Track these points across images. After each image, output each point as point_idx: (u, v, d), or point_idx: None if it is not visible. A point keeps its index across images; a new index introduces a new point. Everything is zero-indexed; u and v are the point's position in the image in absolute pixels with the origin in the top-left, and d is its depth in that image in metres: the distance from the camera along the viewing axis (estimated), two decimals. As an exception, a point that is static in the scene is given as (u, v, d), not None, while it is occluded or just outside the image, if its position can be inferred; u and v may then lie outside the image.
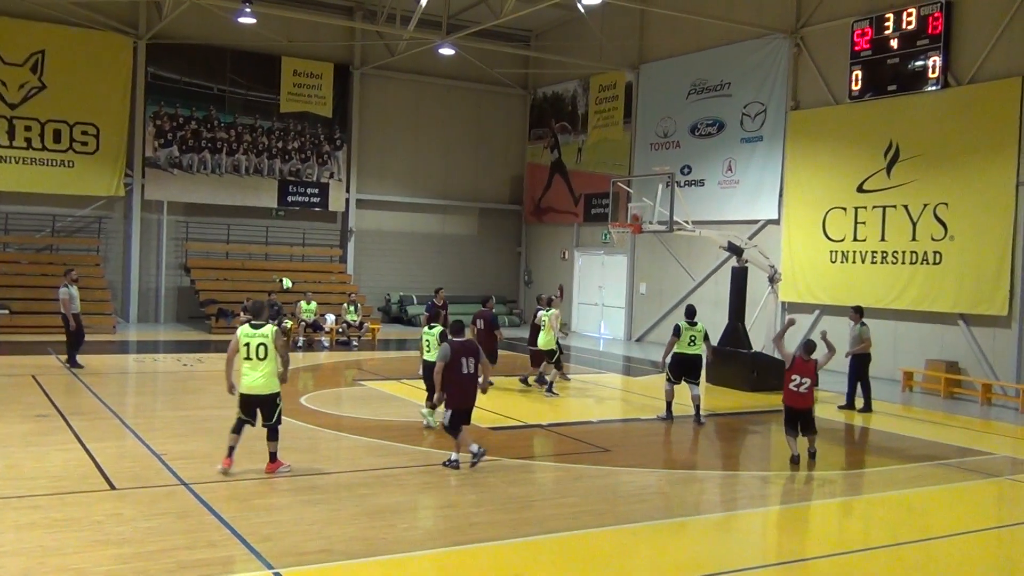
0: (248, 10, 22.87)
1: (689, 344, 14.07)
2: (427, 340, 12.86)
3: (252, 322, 10.00)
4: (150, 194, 26.83)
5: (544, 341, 16.11)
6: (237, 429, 9.98)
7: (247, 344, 9.83)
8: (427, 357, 12.72)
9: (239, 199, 28.00)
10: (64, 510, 8.54)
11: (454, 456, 10.63)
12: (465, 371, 10.49)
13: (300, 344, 22.08)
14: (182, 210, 27.53)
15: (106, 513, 8.50)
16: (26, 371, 16.90)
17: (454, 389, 10.53)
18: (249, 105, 28.08)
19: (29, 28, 25.02)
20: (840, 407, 15.84)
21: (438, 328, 12.92)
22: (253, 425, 9.98)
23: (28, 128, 25.19)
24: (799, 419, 11.45)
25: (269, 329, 9.90)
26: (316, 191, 29.16)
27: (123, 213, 26.78)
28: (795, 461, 11.44)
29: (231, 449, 9.95)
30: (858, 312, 16.38)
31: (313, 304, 23.32)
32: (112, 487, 9.38)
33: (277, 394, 9.96)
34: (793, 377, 11.32)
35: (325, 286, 28.06)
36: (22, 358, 18.74)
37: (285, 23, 26.79)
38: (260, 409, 9.90)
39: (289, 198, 28.78)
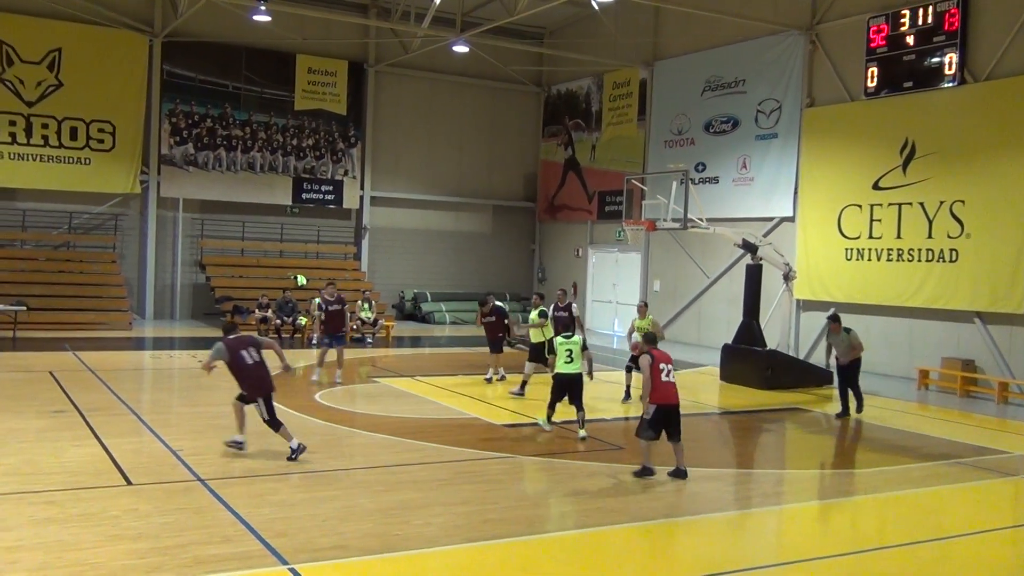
0: (263, 8, 22.95)
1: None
2: (568, 349, 11.95)
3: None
4: (166, 191, 26.97)
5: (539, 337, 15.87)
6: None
7: None
8: (567, 369, 11.95)
9: (254, 196, 28.12)
10: (80, 505, 8.60)
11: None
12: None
13: (314, 341, 22.10)
14: (197, 207, 27.66)
15: (122, 508, 8.55)
16: (43, 367, 17.03)
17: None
18: (264, 102, 28.17)
19: (46, 26, 25.16)
20: (837, 416, 15.34)
21: (578, 338, 12.19)
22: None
23: (45, 126, 25.35)
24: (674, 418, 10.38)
25: None
26: (331, 188, 29.25)
27: (139, 210, 26.93)
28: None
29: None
30: (836, 320, 15.59)
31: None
32: (128, 483, 9.44)
33: None
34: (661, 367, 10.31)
35: (339, 283, 28.11)
36: (39, 354, 18.87)
37: (300, 21, 26.86)
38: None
39: (304, 195, 28.88)
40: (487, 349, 17.52)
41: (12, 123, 24.97)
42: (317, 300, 17.15)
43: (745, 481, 11.11)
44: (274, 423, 10.61)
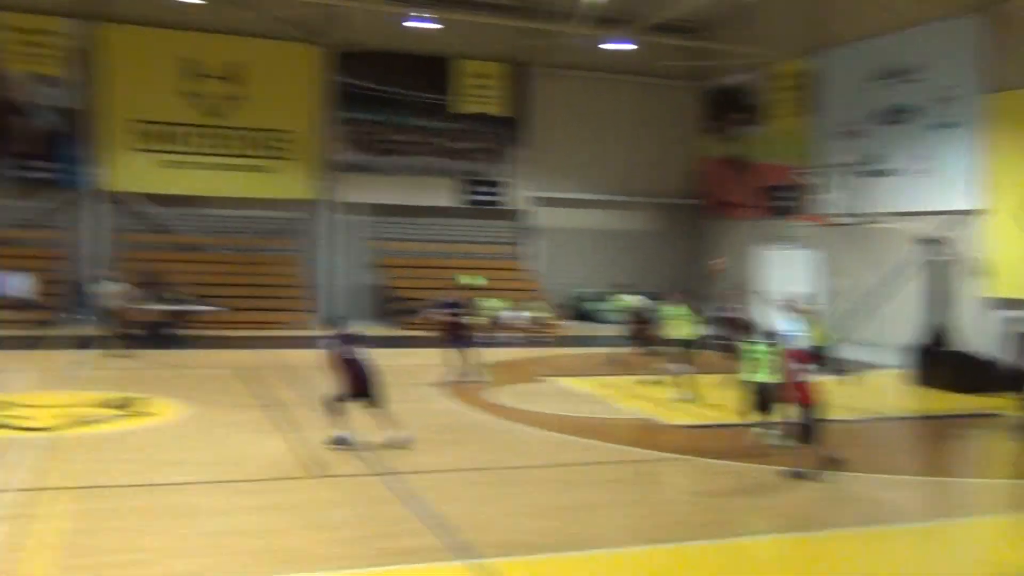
0: (422, 15, 23.62)
1: None
2: (756, 357, 11.30)
3: None
4: (339, 196, 28.12)
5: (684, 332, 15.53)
6: None
7: None
8: (756, 377, 11.28)
9: (420, 199, 28.93)
10: (280, 495, 9.10)
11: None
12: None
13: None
14: (368, 210, 28.66)
15: (319, 499, 8.99)
16: (235, 364, 18.05)
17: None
18: (426, 107, 28.91)
19: (229, 42, 26.73)
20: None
21: (764, 346, 11.33)
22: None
23: (228, 137, 26.96)
24: None
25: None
26: (494, 189, 29.73)
27: (315, 215, 28.18)
28: None
29: None
30: None
31: (494, 301, 23.89)
32: (318, 475, 9.89)
33: None
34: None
35: (506, 283, 28.53)
36: (231, 352, 19.99)
37: (459, 25, 27.36)
38: None
39: (468, 197, 29.48)
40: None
41: (199, 135, 26.69)
42: (440, 301, 17.43)
43: (941, 489, 10.59)
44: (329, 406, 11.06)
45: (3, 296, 21.88)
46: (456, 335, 16.59)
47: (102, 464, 10.09)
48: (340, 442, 10.92)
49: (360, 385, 10.95)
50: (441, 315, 16.86)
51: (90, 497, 8.86)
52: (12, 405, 12.97)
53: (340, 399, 11.03)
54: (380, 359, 11.48)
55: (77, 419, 12.21)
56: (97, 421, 12.25)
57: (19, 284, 21.94)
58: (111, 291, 19.22)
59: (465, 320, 16.88)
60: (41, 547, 7.33)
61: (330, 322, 11.71)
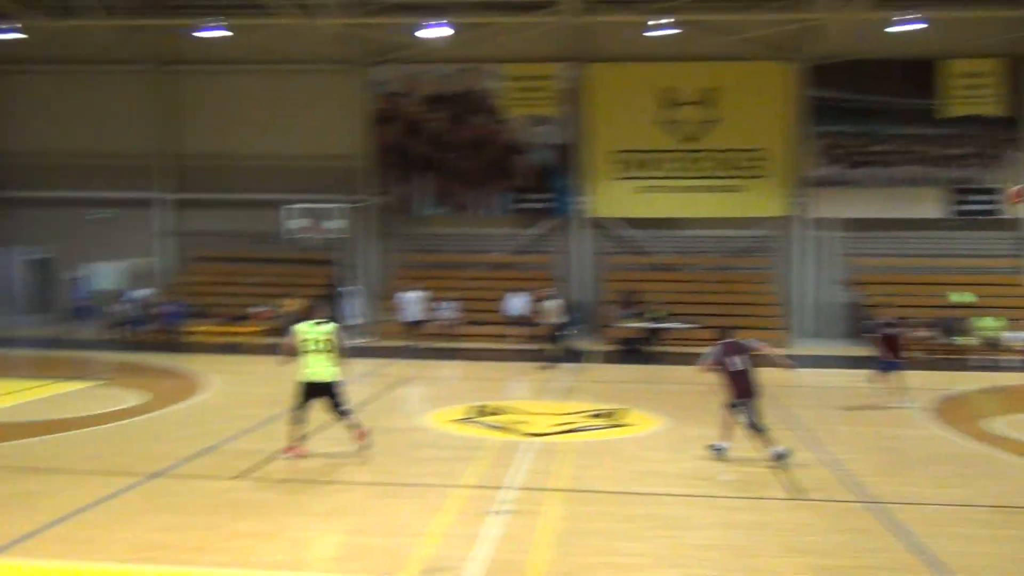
0: (906, 17, 22.14)
1: None
2: None
3: (315, 319, 11.31)
4: (812, 212, 27.45)
5: None
6: (298, 418, 11.14)
7: (310, 338, 11.07)
8: None
9: (902, 211, 27.18)
10: (756, 514, 9.08)
11: None
12: None
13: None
14: (842, 226, 27.60)
15: (795, 522, 8.81)
16: (709, 380, 18.33)
17: None
18: (908, 114, 27.08)
19: (701, 68, 27.51)
20: None
21: None
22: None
23: (701, 159, 27.70)
24: None
25: (332, 326, 11.21)
26: (989, 197, 26.94)
27: (787, 232, 27.79)
28: None
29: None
30: None
31: (989, 320, 21.64)
32: (797, 497, 9.68)
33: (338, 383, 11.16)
34: None
35: (1002, 300, 25.66)
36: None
37: (946, 23, 25.25)
38: (323, 395, 11.13)
39: (957, 207, 27.06)
40: None
41: (673, 160, 27.78)
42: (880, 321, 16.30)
43: None
44: (754, 427, 11.08)
45: (507, 315, 24.55)
46: (892, 355, 15.77)
47: (588, 470, 10.87)
48: (717, 450, 11.37)
49: (741, 394, 11.20)
50: (891, 334, 15.90)
51: (579, 500, 9.60)
52: (513, 411, 14.52)
53: (731, 407, 11.32)
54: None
55: (568, 426, 13.31)
56: (585, 430, 13.24)
57: (519, 304, 24.49)
58: (550, 308, 20.83)
59: (901, 340, 16.14)
60: (541, 542, 8.10)
61: (720, 332, 12.04)
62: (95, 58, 28.57)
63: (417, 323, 23.99)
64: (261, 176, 28.87)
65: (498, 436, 12.75)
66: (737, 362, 11.35)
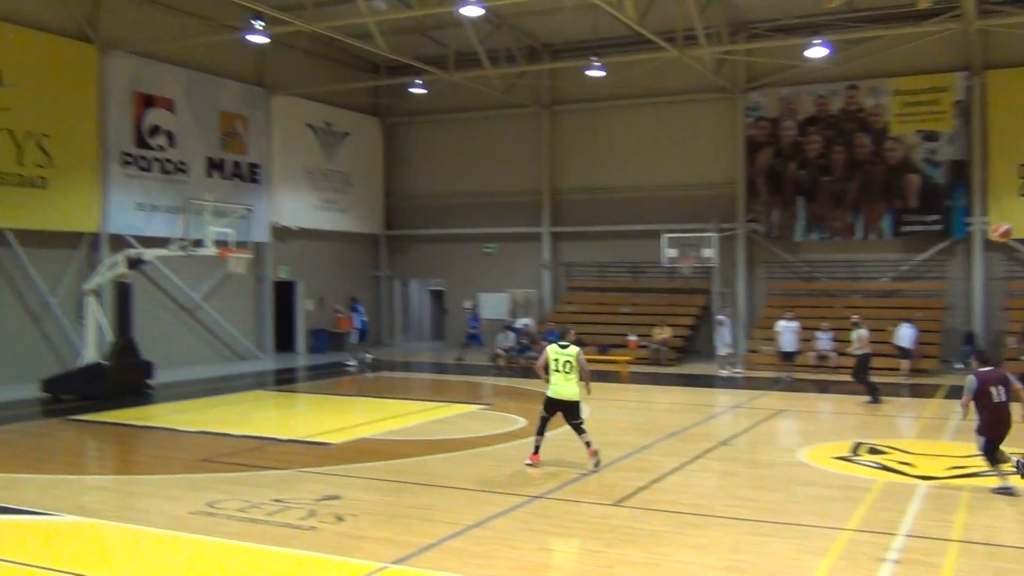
0: None
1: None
2: None
3: (559, 343, 12.54)
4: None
5: None
6: (541, 430, 12.44)
7: (555, 359, 12.29)
8: None
9: None
10: None
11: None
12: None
13: None
14: None
15: None
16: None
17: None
18: None
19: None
20: None
21: None
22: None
23: None
24: None
25: (575, 350, 12.38)
26: None
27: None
28: None
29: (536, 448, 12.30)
30: None
31: None
32: None
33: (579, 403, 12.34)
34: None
35: None
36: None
37: None
38: (564, 411, 12.28)
39: None
40: None
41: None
42: None
43: None
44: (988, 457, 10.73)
45: (897, 346, 22.78)
46: None
47: (991, 520, 9.73)
48: (1004, 491, 10.64)
49: (997, 429, 10.70)
50: None
51: (983, 554, 8.60)
52: (900, 450, 13.41)
53: (991, 444, 10.76)
54: None
55: (964, 471, 12.01)
56: (983, 475, 11.87)
57: (905, 334, 22.70)
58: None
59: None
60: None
61: (980, 357, 11.34)
62: (483, 105, 31.02)
63: (792, 354, 23.13)
64: (634, 207, 29.56)
65: (884, 477, 11.84)
66: (996, 393, 10.72)
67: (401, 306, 34.51)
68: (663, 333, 26.55)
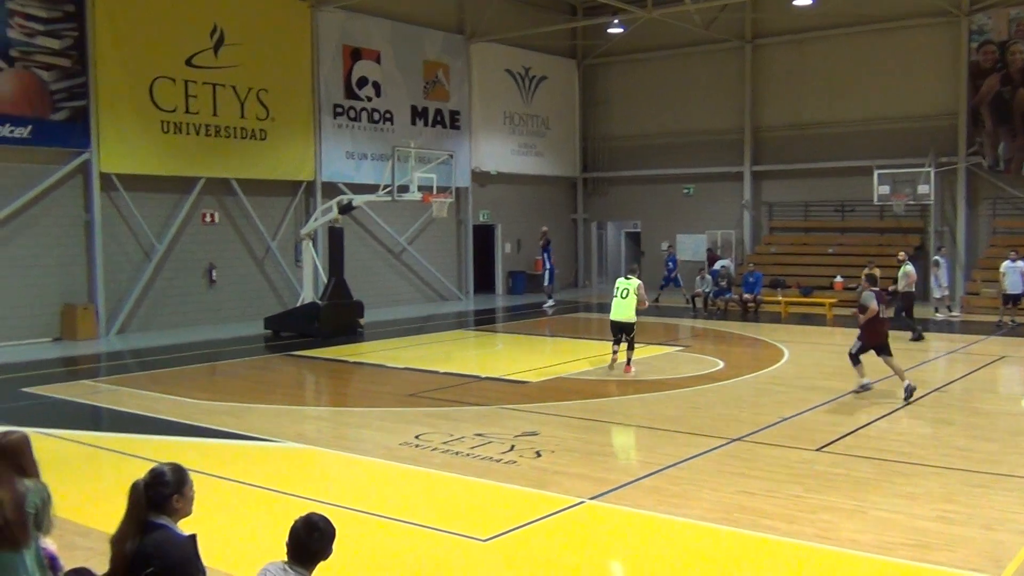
0: None
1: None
2: None
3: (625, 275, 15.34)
4: None
5: None
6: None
7: (617, 287, 15.09)
8: None
9: None
10: None
11: None
12: None
13: None
14: None
15: None
16: None
17: None
18: None
19: None
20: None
21: None
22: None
23: None
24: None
25: (636, 281, 14.94)
26: None
27: None
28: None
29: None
30: None
31: None
32: None
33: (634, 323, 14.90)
34: None
35: None
36: None
37: None
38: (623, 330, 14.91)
39: None
40: None
41: None
42: None
43: None
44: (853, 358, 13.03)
45: None
46: None
47: None
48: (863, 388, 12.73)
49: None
50: None
51: None
52: None
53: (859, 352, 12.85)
54: None
55: None
56: None
57: None
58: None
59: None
60: None
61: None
62: (682, 42, 30.24)
63: (1017, 296, 21.47)
64: (842, 142, 28.15)
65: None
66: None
67: (598, 248, 34.58)
68: (873, 273, 25.26)
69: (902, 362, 13.38)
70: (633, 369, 14.93)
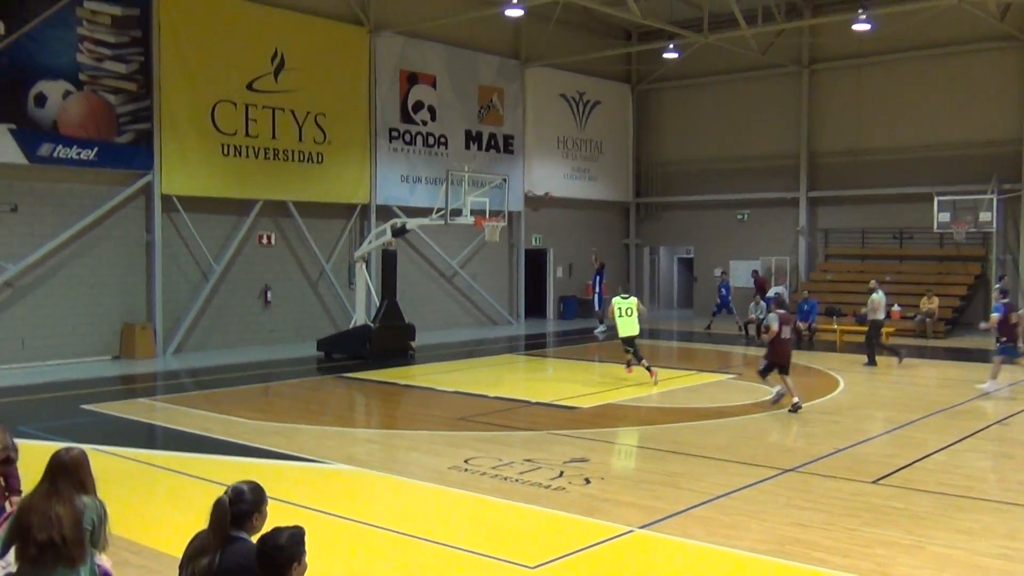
0: None
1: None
2: None
3: (622, 294, 17.13)
4: None
5: None
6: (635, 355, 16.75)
7: (619, 307, 16.71)
8: None
9: None
10: None
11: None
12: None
13: None
14: None
15: None
16: None
17: None
18: None
19: None
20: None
21: None
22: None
23: None
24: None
25: (634, 300, 16.90)
26: None
27: None
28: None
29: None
30: None
31: None
32: None
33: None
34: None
35: None
36: None
37: None
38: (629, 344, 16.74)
39: None
40: None
41: None
42: None
43: None
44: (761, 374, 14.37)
45: None
46: None
47: None
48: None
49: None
50: None
51: None
52: None
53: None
54: None
55: None
56: None
57: None
58: None
59: None
60: None
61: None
62: (737, 67, 30.11)
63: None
64: (900, 168, 27.76)
65: None
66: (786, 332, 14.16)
67: (650, 274, 34.40)
68: (931, 303, 24.78)
69: (950, 396, 13.02)
70: (653, 377, 16.51)
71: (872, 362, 19.44)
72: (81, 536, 4.65)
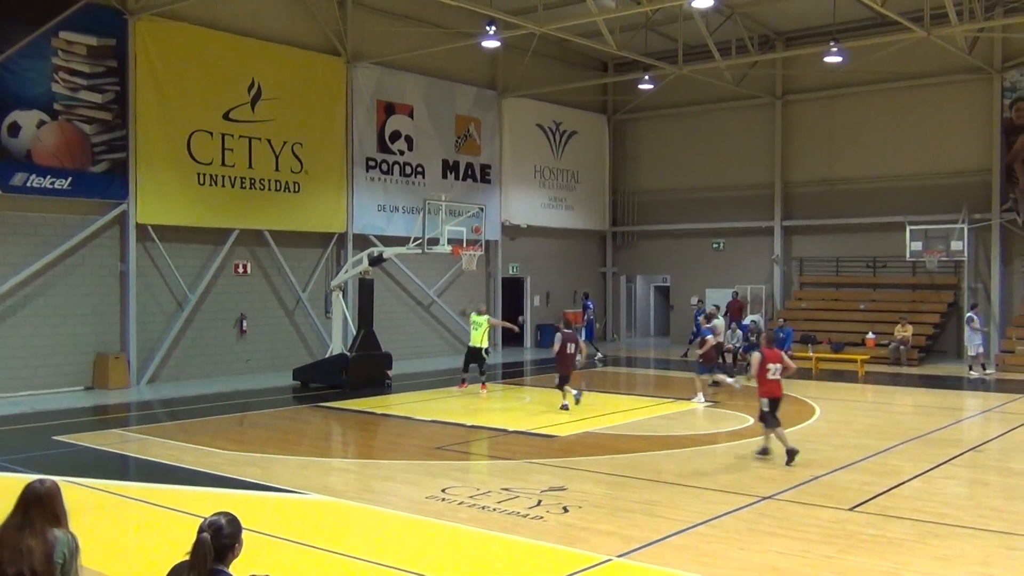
0: None
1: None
2: None
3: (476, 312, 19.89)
4: None
5: None
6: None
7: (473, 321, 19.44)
8: None
9: None
10: None
11: None
12: None
13: None
14: None
15: None
16: None
17: None
18: None
19: None
20: None
21: None
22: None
23: None
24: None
25: (484, 317, 19.54)
26: None
27: None
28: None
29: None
30: None
31: None
32: None
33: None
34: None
35: None
36: None
37: None
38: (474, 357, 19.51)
39: None
40: None
41: None
42: None
43: None
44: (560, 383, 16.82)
45: None
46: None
47: None
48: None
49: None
50: None
51: None
52: None
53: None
54: None
55: None
56: None
57: None
58: None
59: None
60: None
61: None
62: (712, 98, 30.47)
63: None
64: (873, 198, 28.13)
65: None
66: (568, 347, 16.71)
67: (627, 302, 34.52)
68: (904, 331, 25.02)
69: (924, 423, 13.09)
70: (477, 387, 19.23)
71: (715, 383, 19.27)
72: (52, 570, 4.59)
